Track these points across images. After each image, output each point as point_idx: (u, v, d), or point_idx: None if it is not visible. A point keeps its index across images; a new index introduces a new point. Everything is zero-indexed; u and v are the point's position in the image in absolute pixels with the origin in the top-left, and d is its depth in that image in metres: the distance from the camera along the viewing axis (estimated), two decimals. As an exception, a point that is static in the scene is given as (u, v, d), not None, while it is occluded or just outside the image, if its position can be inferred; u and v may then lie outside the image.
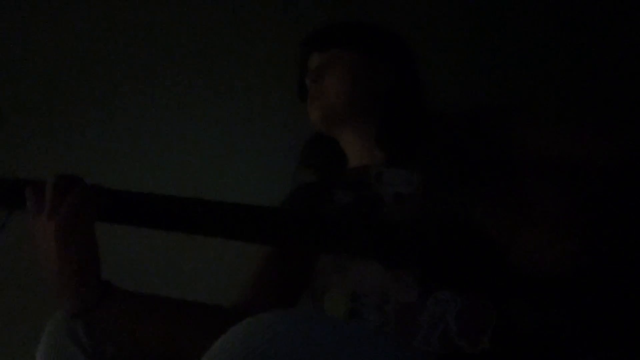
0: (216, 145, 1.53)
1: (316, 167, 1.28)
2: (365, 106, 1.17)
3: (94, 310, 0.90)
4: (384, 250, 0.96)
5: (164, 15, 1.56)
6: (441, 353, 0.91)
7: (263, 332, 0.72)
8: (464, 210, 0.98)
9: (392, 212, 1.05)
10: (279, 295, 1.12)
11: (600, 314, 0.88)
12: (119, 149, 1.53)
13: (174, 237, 0.98)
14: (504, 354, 0.89)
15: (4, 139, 1.53)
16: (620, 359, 0.86)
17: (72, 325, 0.95)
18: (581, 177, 0.97)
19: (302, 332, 0.73)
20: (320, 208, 1.15)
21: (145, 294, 0.97)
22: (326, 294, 1.06)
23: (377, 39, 1.23)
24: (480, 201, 0.98)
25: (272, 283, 1.13)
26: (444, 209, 1.00)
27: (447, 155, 1.08)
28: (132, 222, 0.93)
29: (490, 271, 0.93)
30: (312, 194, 1.20)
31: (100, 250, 0.92)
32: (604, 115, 1.40)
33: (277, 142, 1.50)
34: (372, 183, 1.10)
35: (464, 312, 0.92)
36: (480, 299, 0.91)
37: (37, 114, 1.55)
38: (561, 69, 1.48)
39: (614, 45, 1.47)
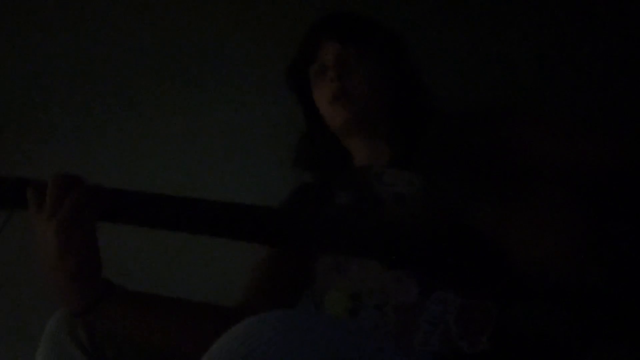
0: (216, 145, 1.53)
1: (315, 169, 1.26)
2: (385, 108, 1.16)
3: (95, 309, 0.90)
4: (383, 250, 0.96)
5: (163, 15, 1.56)
6: (441, 353, 0.91)
7: (263, 332, 0.72)
8: (465, 210, 0.98)
9: (392, 213, 1.05)
10: (279, 295, 1.12)
11: (600, 314, 0.88)
12: (119, 149, 1.53)
13: (174, 236, 0.98)
14: (504, 354, 0.89)
15: (3, 139, 1.53)
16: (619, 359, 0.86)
17: (73, 325, 0.96)
18: (583, 179, 0.97)
19: (302, 332, 0.73)
20: (320, 208, 1.15)
21: (145, 294, 0.97)
22: (326, 294, 1.06)
23: (395, 38, 1.21)
24: (481, 202, 0.98)
25: (272, 283, 1.13)
26: (444, 209, 1.00)
27: (448, 156, 1.08)
28: (133, 222, 0.93)
29: (490, 271, 0.93)
30: (312, 194, 1.20)
31: (100, 249, 0.92)
32: (605, 117, 1.40)
33: (276, 142, 1.50)
34: (372, 183, 1.10)
35: (464, 312, 0.92)
36: (480, 299, 0.91)
37: (37, 114, 1.55)
38: (561, 69, 1.48)
39: (614, 46, 1.47)
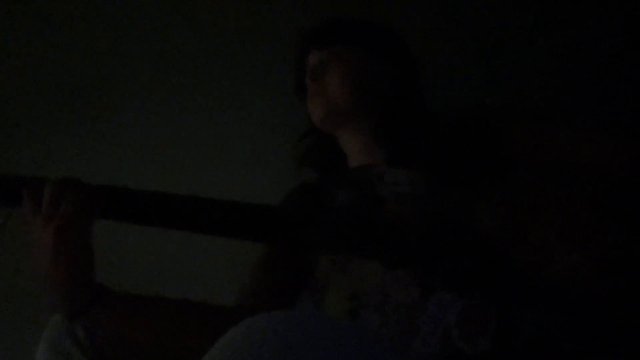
0: (216, 143, 1.53)
1: (315, 166, 1.27)
2: (366, 105, 1.17)
3: (87, 314, 0.90)
4: (384, 250, 0.96)
5: (162, 15, 1.56)
6: (441, 354, 0.91)
7: (263, 332, 0.72)
8: (466, 210, 0.98)
9: (393, 212, 1.05)
10: (278, 295, 1.12)
11: (601, 317, 0.88)
12: (118, 148, 1.53)
13: (174, 236, 0.97)
14: (505, 355, 0.88)
15: (3, 139, 1.54)
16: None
17: (72, 325, 0.95)
18: (584, 178, 0.97)
19: (302, 332, 0.73)
20: (320, 207, 1.15)
21: (142, 296, 0.97)
22: (326, 295, 1.06)
23: (376, 36, 1.22)
24: (482, 201, 0.98)
25: (271, 283, 1.13)
26: (445, 209, 1.00)
27: (449, 154, 1.08)
28: (131, 220, 0.93)
29: (491, 272, 0.93)
30: (313, 194, 1.20)
31: (98, 251, 0.91)
32: (605, 116, 1.40)
33: (276, 141, 1.50)
34: (373, 182, 1.10)
35: (465, 313, 0.91)
36: (481, 300, 0.91)
37: (38, 115, 1.55)
38: (561, 69, 1.48)
39: (614, 45, 1.47)
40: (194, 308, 1.01)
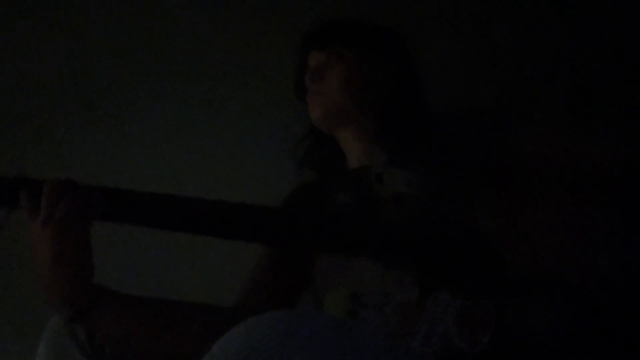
0: (215, 145, 1.53)
1: (315, 166, 1.27)
2: (366, 105, 1.17)
3: (87, 315, 0.90)
4: (384, 251, 0.96)
5: (163, 15, 1.56)
6: (441, 354, 0.91)
7: (264, 332, 0.72)
8: (465, 210, 0.98)
9: (392, 213, 1.05)
10: (278, 295, 1.12)
11: (600, 315, 0.88)
12: (119, 149, 1.53)
13: (174, 236, 0.98)
14: (504, 354, 0.88)
15: (4, 139, 1.54)
16: (619, 361, 0.86)
17: (72, 325, 0.96)
18: (582, 179, 0.97)
19: (303, 332, 0.73)
20: (320, 208, 1.15)
21: (141, 297, 0.97)
22: (326, 295, 1.06)
23: (377, 37, 1.22)
24: (481, 202, 0.98)
25: (271, 283, 1.13)
26: (444, 209, 1.00)
27: (447, 155, 1.08)
28: (131, 222, 0.93)
29: (490, 272, 0.93)
30: (312, 195, 1.20)
31: (99, 251, 0.91)
32: (605, 117, 1.40)
33: (277, 142, 1.50)
34: (372, 183, 1.10)
35: (464, 312, 0.91)
36: (480, 299, 0.91)
37: (38, 115, 1.55)
38: (561, 70, 1.48)
39: (614, 46, 1.47)
40: (193, 308, 1.01)
